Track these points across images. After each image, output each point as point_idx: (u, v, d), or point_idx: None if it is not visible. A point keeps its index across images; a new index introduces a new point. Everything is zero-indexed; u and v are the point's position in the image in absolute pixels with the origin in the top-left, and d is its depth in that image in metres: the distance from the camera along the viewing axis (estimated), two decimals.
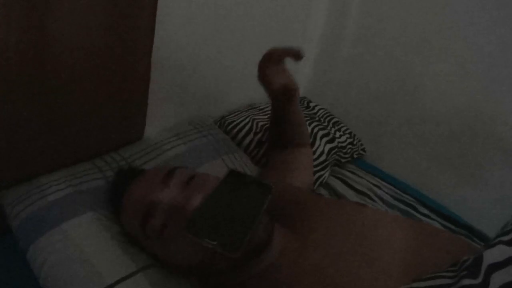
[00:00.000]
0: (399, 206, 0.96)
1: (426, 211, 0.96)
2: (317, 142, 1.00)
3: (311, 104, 1.19)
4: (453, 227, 0.92)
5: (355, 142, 1.13)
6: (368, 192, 0.99)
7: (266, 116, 1.07)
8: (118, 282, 0.59)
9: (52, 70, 0.63)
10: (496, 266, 0.41)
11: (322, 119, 1.13)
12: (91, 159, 0.82)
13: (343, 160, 1.10)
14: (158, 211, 0.57)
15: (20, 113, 0.65)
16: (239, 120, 1.05)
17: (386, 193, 1.01)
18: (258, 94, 1.16)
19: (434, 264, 0.51)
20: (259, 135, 1.01)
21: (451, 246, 0.57)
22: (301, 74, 1.28)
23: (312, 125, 1.05)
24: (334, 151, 1.03)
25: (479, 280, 0.41)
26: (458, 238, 0.61)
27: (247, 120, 1.04)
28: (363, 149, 1.17)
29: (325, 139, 1.03)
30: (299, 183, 0.83)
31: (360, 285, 0.51)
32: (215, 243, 0.45)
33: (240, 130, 1.02)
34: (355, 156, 1.14)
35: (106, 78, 0.72)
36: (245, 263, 0.57)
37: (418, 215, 0.94)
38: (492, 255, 0.42)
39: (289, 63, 1.18)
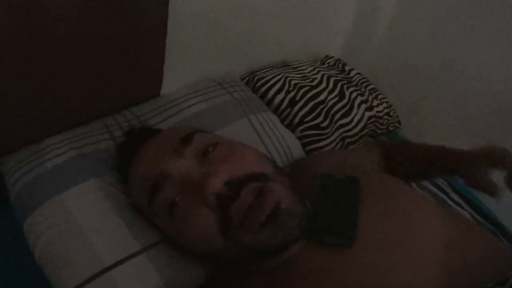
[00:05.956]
0: (431, 189, 0.89)
1: (457, 199, 0.89)
2: (355, 110, 0.91)
3: (346, 68, 1.08)
4: (482, 220, 0.85)
5: (391, 113, 1.04)
6: None
7: (301, 75, 0.96)
8: (117, 264, 0.53)
9: (47, 25, 0.54)
10: None
11: (359, 85, 1.02)
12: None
13: (378, 131, 1.01)
14: (167, 185, 0.48)
15: (14, 77, 0.57)
16: (270, 77, 0.94)
17: None
18: (292, 52, 1.06)
19: (470, 263, 0.47)
20: (292, 93, 0.90)
21: (487, 244, 0.53)
22: (338, 32, 1.15)
23: (350, 89, 0.95)
24: (371, 120, 0.94)
25: None
26: (491, 236, 0.56)
27: (279, 77, 0.94)
28: (398, 121, 1.08)
29: (363, 106, 0.93)
30: None
31: (396, 274, 0.45)
32: (335, 237, 0.49)
33: (271, 87, 0.92)
34: (390, 128, 1.05)
35: (112, 31, 0.61)
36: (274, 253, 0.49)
37: (450, 202, 0.87)
38: None
39: (325, 17, 1.06)
